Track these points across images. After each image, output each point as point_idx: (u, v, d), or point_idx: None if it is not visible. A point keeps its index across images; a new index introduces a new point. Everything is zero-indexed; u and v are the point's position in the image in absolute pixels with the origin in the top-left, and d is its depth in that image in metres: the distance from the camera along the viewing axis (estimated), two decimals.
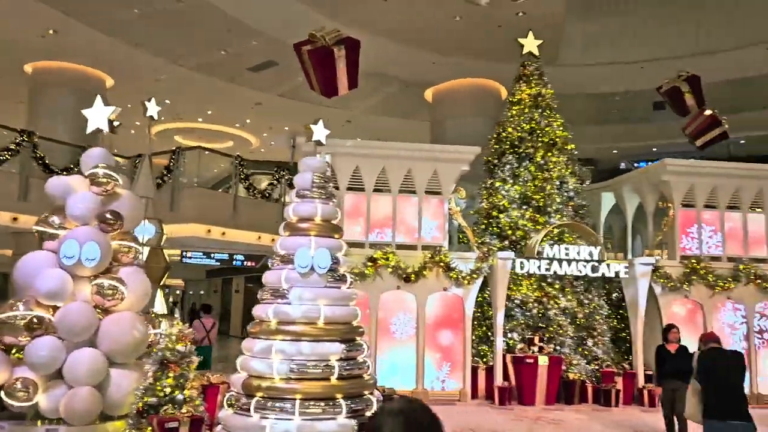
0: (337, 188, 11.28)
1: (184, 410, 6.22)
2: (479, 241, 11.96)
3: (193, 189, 16.40)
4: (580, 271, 11.28)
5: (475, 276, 11.10)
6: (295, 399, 6.49)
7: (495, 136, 13.34)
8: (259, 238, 17.14)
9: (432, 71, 17.81)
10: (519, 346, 11.16)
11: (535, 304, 11.71)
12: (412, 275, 10.89)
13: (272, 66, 17.53)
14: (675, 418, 7.76)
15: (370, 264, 10.79)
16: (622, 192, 13.28)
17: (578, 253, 11.28)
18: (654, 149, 23.25)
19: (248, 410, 6.52)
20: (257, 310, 7.11)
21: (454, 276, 11.01)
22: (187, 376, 6.56)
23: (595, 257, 11.32)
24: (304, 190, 7.48)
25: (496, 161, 13.07)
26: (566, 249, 11.28)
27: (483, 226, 12.63)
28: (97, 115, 7.01)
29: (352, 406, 6.69)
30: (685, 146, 22.10)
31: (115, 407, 6.35)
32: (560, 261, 11.18)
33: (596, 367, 11.41)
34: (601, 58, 17.77)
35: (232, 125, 22.82)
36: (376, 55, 17.34)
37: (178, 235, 16.15)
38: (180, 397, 6.40)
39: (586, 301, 12.00)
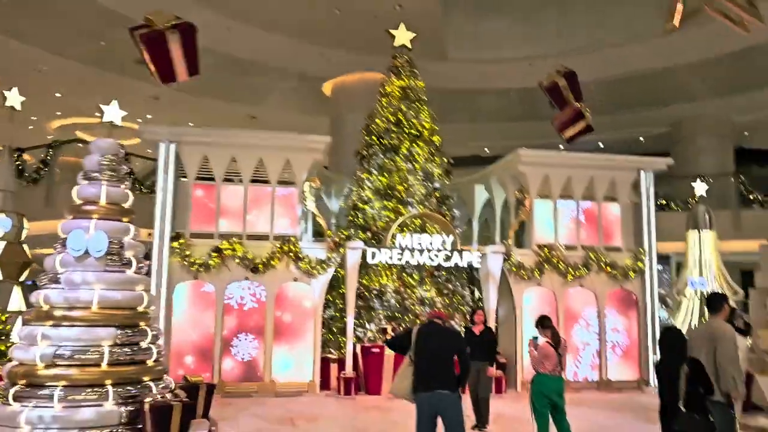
0: (184, 177, 11.09)
1: None
2: (345, 234, 11.88)
3: (72, 184, 15.84)
4: (433, 261, 11.30)
5: (325, 266, 11.02)
6: (56, 386, 6.28)
7: (365, 128, 13.31)
8: (150, 235, 16.71)
9: (326, 66, 17.73)
10: (369, 335, 11.13)
11: (394, 294, 11.72)
12: (260, 265, 10.75)
13: None
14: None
15: (215, 254, 10.60)
16: (490, 184, 13.41)
17: (431, 243, 11.31)
18: (561, 147, 23.69)
19: (8, 399, 6.28)
20: (32, 297, 6.86)
21: (305, 266, 10.90)
22: None
23: (449, 247, 11.37)
24: (91, 173, 7.33)
25: (365, 153, 13.05)
26: (419, 239, 11.30)
27: (350, 218, 12.59)
28: None
29: (124, 392, 6.51)
30: (593, 144, 22.56)
31: None
32: (412, 251, 11.19)
33: None
34: (493, 55, 17.98)
35: (133, 121, 22.23)
36: (270, 48, 17.18)
37: (54, 231, 15.61)
38: None
39: (446, 291, 12.07)
